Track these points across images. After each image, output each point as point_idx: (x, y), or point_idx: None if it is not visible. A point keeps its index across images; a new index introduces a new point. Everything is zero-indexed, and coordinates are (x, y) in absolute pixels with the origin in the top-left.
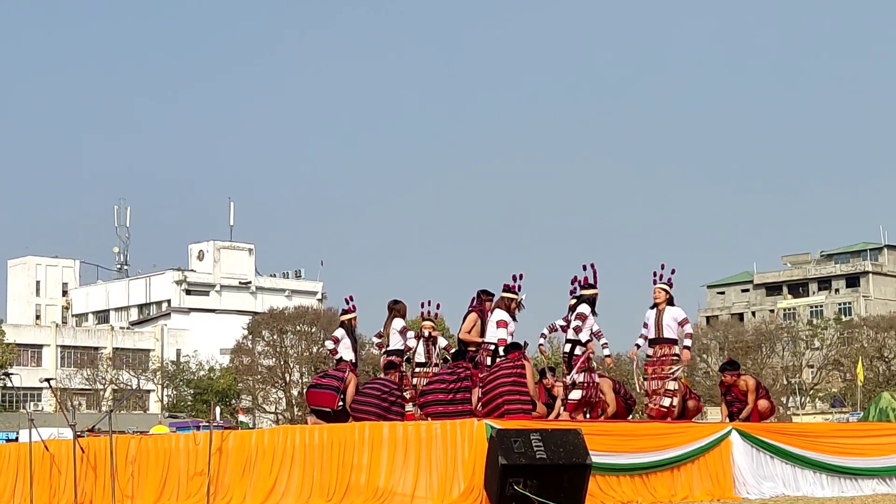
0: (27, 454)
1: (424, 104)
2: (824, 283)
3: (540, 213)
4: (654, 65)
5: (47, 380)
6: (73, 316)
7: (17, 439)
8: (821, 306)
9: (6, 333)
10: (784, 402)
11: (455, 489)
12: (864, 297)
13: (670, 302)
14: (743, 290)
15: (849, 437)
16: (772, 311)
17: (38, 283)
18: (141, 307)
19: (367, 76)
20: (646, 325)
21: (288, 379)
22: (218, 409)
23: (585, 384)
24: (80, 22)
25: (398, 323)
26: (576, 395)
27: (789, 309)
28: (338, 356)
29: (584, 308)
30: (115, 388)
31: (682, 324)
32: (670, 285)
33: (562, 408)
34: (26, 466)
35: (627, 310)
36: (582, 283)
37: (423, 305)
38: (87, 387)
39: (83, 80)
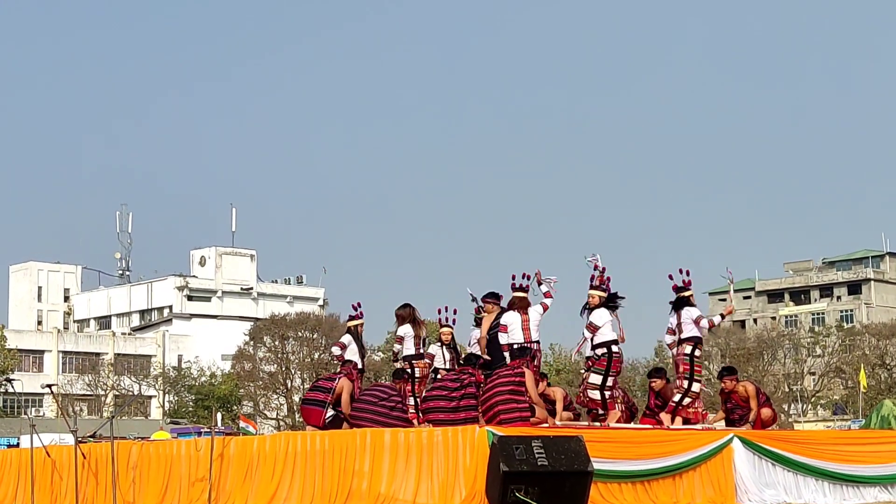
0: (28, 460)
1: (426, 111)
2: (826, 291)
3: (540, 218)
4: (656, 71)
5: (49, 385)
6: (74, 321)
7: (18, 445)
8: (822, 313)
9: (8, 339)
10: (785, 409)
11: (457, 496)
12: (865, 304)
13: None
14: (745, 297)
15: (850, 444)
16: (773, 318)
17: (39, 288)
18: (142, 313)
19: (369, 82)
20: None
21: (289, 385)
22: (219, 415)
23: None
24: (82, 30)
25: (401, 329)
26: None
27: (791, 316)
28: (354, 362)
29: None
30: (117, 393)
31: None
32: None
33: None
34: (28, 472)
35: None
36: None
37: (439, 311)
38: (88, 392)
39: (85, 86)
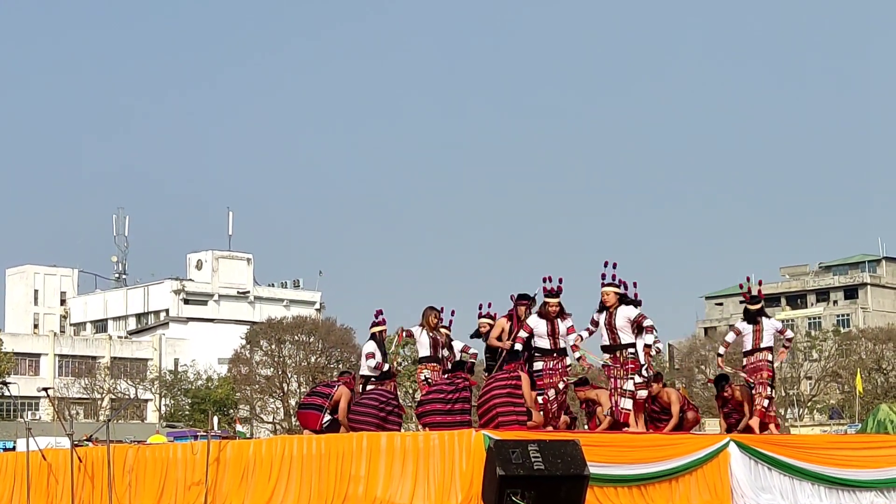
0: (24, 463)
1: (424, 113)
2: (822, 295)
3: (538, 220)
4: (654, 75)
5: (45, 389)
6: (71, 325)
7: (14, 448)
8: (819, 318)
9: (4, 342)
10: (782, 413)
11: (453, 500)
12: (862, 308)
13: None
14: (741, 302)
15: (847, 448)
16: None
17: (36, 291)
18: (139, 316)
19: (366, 85)
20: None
21: (286, 389)
22: (216, 419)
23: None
24: (80, 32)
25: (416, 331)
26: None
27: (787, 320)
28: (385, 368)
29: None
30: (113, 397)
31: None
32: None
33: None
34: (23, 475)
35: None
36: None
37: (441, 312)
38: (84, 396)
39: (82, 88)
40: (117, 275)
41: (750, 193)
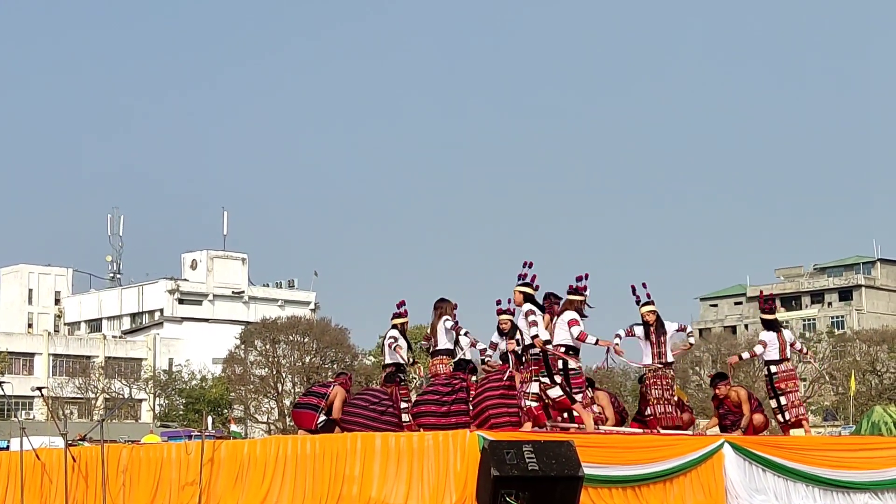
0: (18, 463)
1: (422, 113)
2: (817, 297)
3: (537, 222)
4: (652, 77)
5: (39, 388)
6: (65, 324)
7: (8, 448)
8: (813, 320)
9: None
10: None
11: (447, 500)
12: (856, 310)
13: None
14: (736, 303)
15: (841, 450)
16: None
17: (30, 291)
18: (133, 316)
19: (362, 86)
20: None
21: (280, 389)
22: (210, 419)
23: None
24: (77, 31)
25: (448, 322)
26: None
27: (782, 322)
28: (411, 361)
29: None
30: (107, 397)
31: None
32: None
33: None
34: (17, 475)
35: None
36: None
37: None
38: (78, 395)
39: (78, 88)
40: (112, 274)
41: (745, 195)
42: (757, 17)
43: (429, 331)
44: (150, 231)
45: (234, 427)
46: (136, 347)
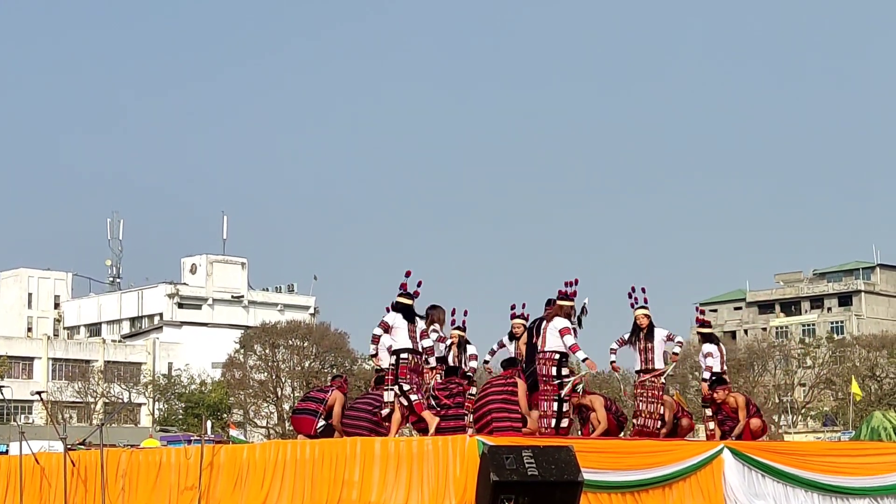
0: (17, 467)
1: (421, 116)
2: (817, 302)
3: (536, 223)
4: (649, 80)
5: (38, 392)
6: (64, 328)
7: (7, 452)
8: (813, 325)
9: None
10: (776, 420)
11: None
12: (856, 315)
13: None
14: (735, 308)
15: (840, 455)
16: (764, 329)
17: (30, 295)
18: (133, 320)
19: (362, 90)
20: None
21: (280, 393)
22: (209, 423)
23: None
24: (76, 33)
25: (434, 333)
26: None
27: (782, 327)
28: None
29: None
30: (107, 401)
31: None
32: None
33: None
34: (16, 479)
35: (616, 328)
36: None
37: (452, 313)
38: (78, 400)
39: (77, 92)
40: (111, 278)
41: (745, 200)
42: (757, 17)
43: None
44: (150, 235)
45: (233, 432)
46: (136, 351)
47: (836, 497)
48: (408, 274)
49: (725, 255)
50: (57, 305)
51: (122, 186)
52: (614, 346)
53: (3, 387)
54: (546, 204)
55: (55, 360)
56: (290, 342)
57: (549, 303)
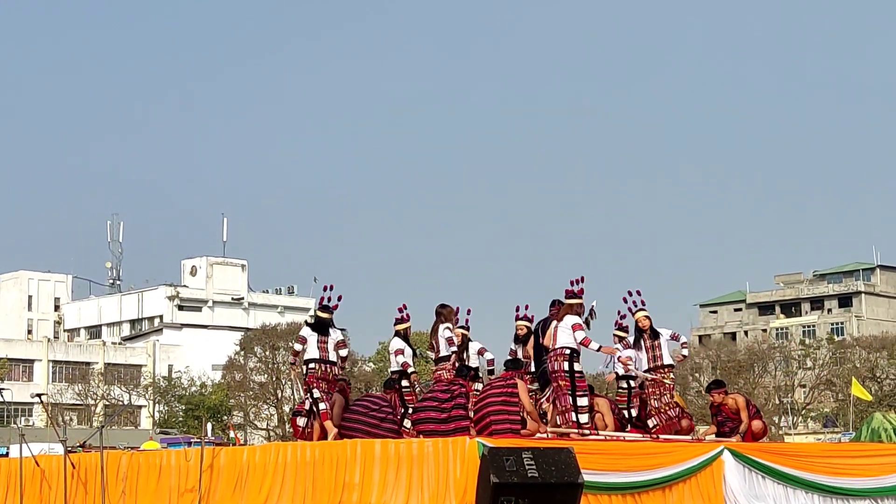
0: (18, 469)
1: (421, 118)
2: (817, 303)
3: (535, 224)
4: (649, 80)
5: (38, 395)
6: (64, 331)
7: (7, 454)
8: (813, 326)
9: None
10: (776, 421)
11: None
12: (856, 317)
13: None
14: (735, 310)
15: (841, 457)
16: (764, 330)
17: (30, 297)
18: (133, 322)
19: (362, 90)
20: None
21: (280, 395)
22: (209, 426)
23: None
24: (77, 34)
25: (447, 331)
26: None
27: (782, 328)
28: (410, 370)
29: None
30: (107, 403)
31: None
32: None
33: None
34: (17, 482)
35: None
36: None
37: (456, 312)
38: (78, 402)
39: (77, 94)
40: (111, 281)
41: (745, 201)
42: (757, 17)
43: (430, 338)
44: (150, 237)
45: (233, 434)
46: (136, 354)
47: (836, 498)
48: (325, 288)
49: (725, 257)
50: (57, 308)
51: (123, 188)
52: (620, 347)
53: (3, 389)
54: (545, 204)
55: (55, 362)
56: (291, 344)
57: (554, 303)
